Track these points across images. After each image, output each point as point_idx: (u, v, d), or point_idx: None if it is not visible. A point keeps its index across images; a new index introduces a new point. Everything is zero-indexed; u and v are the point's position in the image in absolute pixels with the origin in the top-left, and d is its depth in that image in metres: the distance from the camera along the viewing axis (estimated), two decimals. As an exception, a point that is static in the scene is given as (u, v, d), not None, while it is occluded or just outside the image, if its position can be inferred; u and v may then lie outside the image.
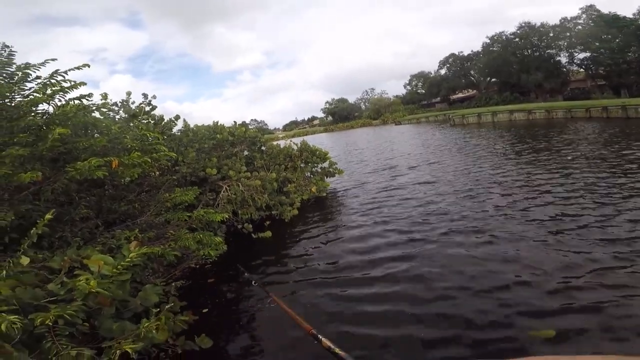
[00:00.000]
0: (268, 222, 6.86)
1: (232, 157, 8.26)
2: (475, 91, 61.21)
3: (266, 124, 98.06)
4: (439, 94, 66.38)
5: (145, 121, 5.63)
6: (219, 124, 9.40)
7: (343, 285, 4.55)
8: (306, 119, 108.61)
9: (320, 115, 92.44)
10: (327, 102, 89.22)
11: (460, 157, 14.09)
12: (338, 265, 5.23)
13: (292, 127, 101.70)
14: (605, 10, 41.89)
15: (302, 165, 9.81)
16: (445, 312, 3.64)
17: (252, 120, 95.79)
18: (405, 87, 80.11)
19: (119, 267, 2.14)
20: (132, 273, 2.37)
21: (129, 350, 1.81)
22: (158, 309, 2.26)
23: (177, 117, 7.02)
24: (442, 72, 65.90)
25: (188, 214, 3.78)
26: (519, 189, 8.09)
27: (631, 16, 39.19)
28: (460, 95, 65.41)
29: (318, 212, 8.46)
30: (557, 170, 9.36)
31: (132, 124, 4.63)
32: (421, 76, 74.43)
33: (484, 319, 3.43)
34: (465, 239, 5.47)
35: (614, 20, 39.62)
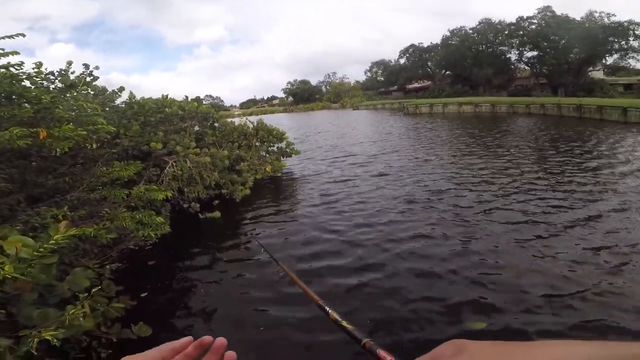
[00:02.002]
0: (217, 202, 6.64)
1: (181, 132, 7.81)
2: (430, 82, 63.47)
3: (222, 101, 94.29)
4: (396, 83, 67.97)
5: (84, 92, 5.09)
6: (168, 97, 8.86)
7: (293, 265, 4.54)
8: (265, 98, 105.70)
9: (281, 95, 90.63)
10: (289, 82, 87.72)
11: (408, 141, 14.89)
12: (289, 246, 5.23)
13: (250, 105, 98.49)
14: (560, 11, 44.20)
15: (257, 144, 9.59)
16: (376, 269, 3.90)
17: (206, 96, 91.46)
18: (365, 73, 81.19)
19: (41, 249, 1.93)
20: (59, 255, 2.16)
21: (50, 338, 1.66)
22: (88, 294, 2.10)
23: (122, 89, 6.44)
24: (402, 61, 67.31)
25: (127, 191, 3.51)
26: (459, 170, 8.81)
27: (579, 19, 41.88)
28: (416, 85, 67.50)
29: (272, 193, 8.42)
30: (491, 156, 10.58)
31: (68, 95, 4.15)
32: (382, 64, 75.80)
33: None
34: (414, 223, 5.84)
35: (564, 22, 41.85)
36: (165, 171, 5.86)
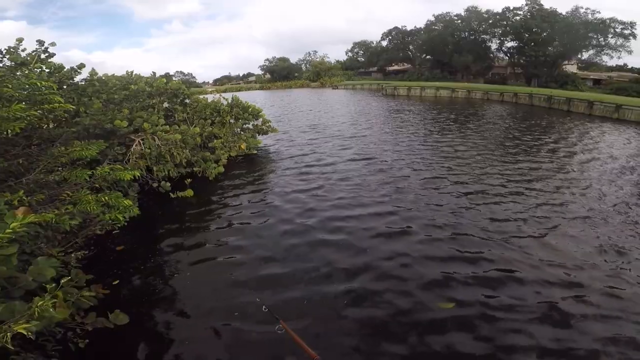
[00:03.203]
0: (189, 180, 6.40)
1: (149, 109, 7.52)
2: (409, 65, 63.61)
3: (194, 77, 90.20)
4: (377, 64, 67.61)
5: (38, 70, 4.71)
6: (134, 74, 8.52)
7: (268, 242, 4.61)
8: (241, 75, 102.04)
9: (258, 72, 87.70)
10: (267, 59, 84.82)
11: (385, 122, 14.93)
12: (264, 225, 5.22)
13: (225, 82, 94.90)
14: (549, 5, 44.43)
15: (231, 121, 9.36)
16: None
17: (177, 72, 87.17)
18: (347, 53, 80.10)
19: (-3, 240, 1.82)
20: (18, 245, 2.04)
21: (24, 332, 1.59)
22: (55, 284, 1.99)
23: (82, 66, 6.05)
24: (384, 43, 66.80)
25: (90, 172, 3.35)
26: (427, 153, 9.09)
27: (564, 13, 42.34)
28: (395, 67, 67.47)
29: (247, 170, 8.28)
30: (461, 138, 10.99)
31: (19, 73, 3.82)
32: (363, 45, 75.01)
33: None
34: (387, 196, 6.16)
35: (549, 15, 42.23)
36: (132, 150, 5.63)
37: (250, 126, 10.11)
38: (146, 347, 3.05)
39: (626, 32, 39.15)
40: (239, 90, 55.80)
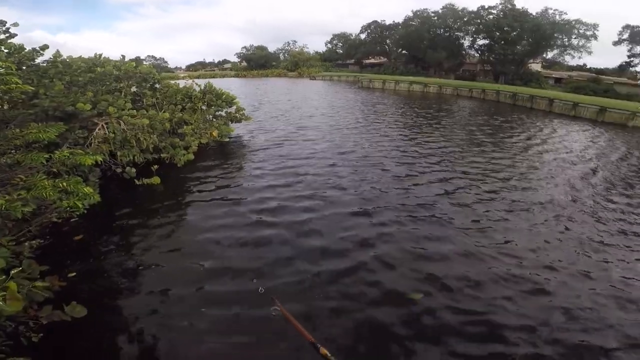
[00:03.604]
0: (156, 167, 6.25)
1: (115, 92, 7.25)
2: (386, 59, 64.34)
3: (166, 62, 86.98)
4: (354, 57, 68.08)
5: None
6: (102, 56, 8.18)
7: (236, 233, 4.56)
8: (217, 61, 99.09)
9: (234, 60, 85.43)
10: (244, 47, 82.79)
11: (360, 114, 15.08)
12: (232, 213, 5.16)
13: (198, 67, 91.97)
14: (521, 5, 45.66)
15: (203, 107, 9.17)
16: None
17: (148, 56, 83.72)
18: (326, 45, 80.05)
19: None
20: None
21: None
22: (5, 276, 1.92)
23: (45, 47, 5.77)
24: (362, 36, 67.39)
25: (47, 155, 3.21)
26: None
27: (534, 14, 44.04)
28: (372, 60, 68.10)
29: (218, 158, 8.14)
30: (427, 128, 11.21)
31: None
32: (343, 37, 75.26)
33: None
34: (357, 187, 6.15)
35: (520, 15, 43.74)
36: (95, 133, 5.42)
37: (224, 113, 9.95)
38: (107, 342, 2.90)
39: (589, 33, 41.32)
40: (213, 77, 54.21)
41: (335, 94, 27.68)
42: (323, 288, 3.55)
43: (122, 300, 3.40)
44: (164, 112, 7.57)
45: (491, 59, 48.34)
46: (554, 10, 43.18)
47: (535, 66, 50.26)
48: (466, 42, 51.60)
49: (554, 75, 49.39)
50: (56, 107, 4.94)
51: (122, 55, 8.56)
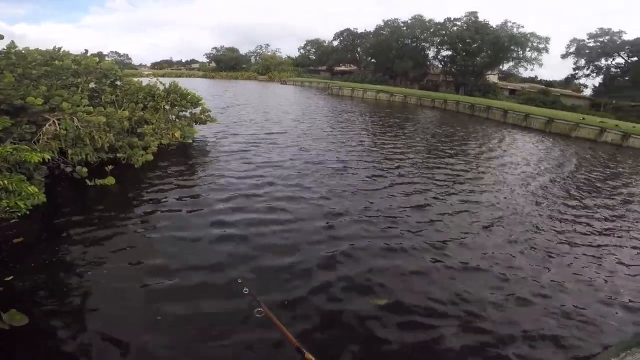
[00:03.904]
0: (111, 167, 5.98)
1: (72, 88, 7.00)
2: (355, 67, 65.66)
3: (130, 58, 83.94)
4: (326, 63, 68.81)
5: None
6: (62, 50, 7.91)
7: (192, 244, 4.30)
8: (184, 60, 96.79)
9: (203, 60, 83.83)
10: (214, 47, 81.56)
11: (328, 120, 15.40)
12: (191, 220, 4.89)
13: (164, 66, 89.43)
14: (483, 17, 47.76)
15: (166, 107, 9.00)
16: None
17: (111, 52, 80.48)
18: (299, 50, 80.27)
19: None
20: None
21: None
22: None
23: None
24: (335, 43, 68.11)
25: (-12, 148, 3.09)
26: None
27: (494, 26, 46.20)
28: (343, 68, 69.26)
29: (179, 160, 7.90)
30: (391, 135, 11.71)
31: None
32: (316, 43, 75.73)
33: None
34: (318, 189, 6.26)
35: (482, 28, 45.84)
36: (44, 129, 5.21)
37: (188, 114, 9.74)
38: (50, 352, 2.67)
39: (541, 46, 43.96)
40: (179, 77, 52.90)
41: (306, 99, 27.89)
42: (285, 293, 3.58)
43: (65, 307, 3.15)
44: (124, 110, 7.38)
45: (453, 70, 50.25)
46: (513, 23, 45.59)
47: (493, 78, 53.06)
48: (431, 53, 53.30)
49: (509, 87, 52.51)
50: (3, 100, 4.70)
51: (84, 50, 8.25)
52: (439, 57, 52.77)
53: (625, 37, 43.22)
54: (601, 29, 44.61)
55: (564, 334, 3.40)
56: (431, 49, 53.06)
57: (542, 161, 11.56)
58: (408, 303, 3.59)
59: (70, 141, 5.51)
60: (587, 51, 44.94)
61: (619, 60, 44.39)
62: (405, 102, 32.74)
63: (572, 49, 46.26)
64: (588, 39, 45.35)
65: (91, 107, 6.24)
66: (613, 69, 44.85)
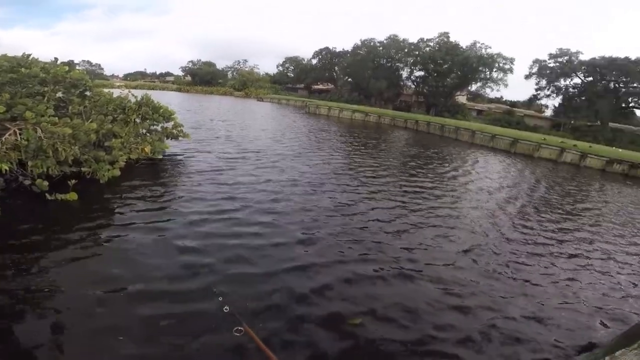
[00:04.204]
0: (74, 181, 5.65)
1: (37, 96, 6.71)
2: (333, 86, 66.81)
3: (102, 69, 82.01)
4: (304, 81, 69.43)
5: None
6: (31, 57, 7.60)
7: (152, 263, 4.04)
8: (158, 72, 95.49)
9: (179, 73, 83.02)
10: (190, 61, 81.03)
11: (306, 141, 15.66)
12: (156, 242, 4.59)
13: (137, 77, 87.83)
14: (454, 38, 48.72)
15: (137, 120, 8.75)
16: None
17: (83, 61, 78.37)
18: (277, 67, 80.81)
19: None
20: None
21: None
22: None
23: None
24: (314, 61, 68.78)
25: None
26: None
27: (464, 47, 47.55)
28: (320, 86, 70.27)
29: (147, 177, 7.53)
30: (366, 156, 12.01)
31: None
32: (295, 61, 76.40)
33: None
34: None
35: (452, 48, 47.09)
36: (4, 139, 4.93)
37: (159, 129, 9.49)
38: None
39: (506, 66, 45.47)
40: (153, 89, 51.89)
41: (283, 117, 27.99)
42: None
43: (16, 330, 2.92)
44: (92, 122, 7.12)
45: (425, 90, 51.73)
46: (481, 43, 47.18)
47: (462, 98, 54.99)
48: (405, 73, 54.51)
49: (476, 108, 54.91)
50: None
51: (55, 58, 7.96)
52: (412, 77, 54.09)
53: (582, 57, 43.70)
54: (560, 49, 44.84)
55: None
56: (405, 69, 54.15)
57: (510, 182, 12.20)
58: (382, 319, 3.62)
59: (31, 152, 5.22)
60: (547, 72, 45.34)
61: (577, 80, 44.91)
62: (379, 122, 33.72)
63: (535, 70, 46.55)
64: (549, 59, 45.66)
65: (57, 118, 5.98)
66: (571, 89, 45.38)
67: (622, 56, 40.03)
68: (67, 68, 7.61)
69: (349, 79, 60.70)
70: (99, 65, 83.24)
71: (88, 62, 79.89)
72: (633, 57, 39.31)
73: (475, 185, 10.80)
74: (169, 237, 4.76)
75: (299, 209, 6.56)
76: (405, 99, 57.66)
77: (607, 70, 40.76)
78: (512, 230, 6.92)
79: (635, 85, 40.21)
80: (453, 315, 3.87)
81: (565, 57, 44.24)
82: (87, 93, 8.33)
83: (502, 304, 4.20)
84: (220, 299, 3.42)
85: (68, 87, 7.66)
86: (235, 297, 3.66)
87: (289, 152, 12.33)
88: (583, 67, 43.06)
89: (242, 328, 3.03)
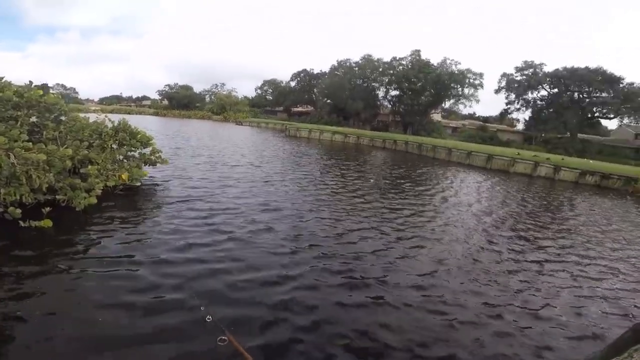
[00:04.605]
0: (49, 209, 5.48)
1: (10, 121, 6.46)
2: (312, 108, 67.52)
3: (77, 92, 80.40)
4: (284, 104, 69.96)
5: None
6: (4, 80, 7.37)
7: (123, 299, 3.76)
8: (135, 96, 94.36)
9: (155, 97, 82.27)
10: (167, 85, 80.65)
11: (288, 165, 15.73)
12: (131, 275, 4.31)
13: (113, 102, 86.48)
14: (425, 56, 49.29)
15: (114, 146, 8.49)
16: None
17: (57, 84, 76.80)
18: (256, 90, 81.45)
19: None
20: None
21: None
22: None
23: None
24: (292, 84, 69.53)
25: None
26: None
27: (435, 64, 48.10)
28: (300, 109, 71.02)
29: (125, 205, 7.22)
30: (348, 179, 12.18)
31: None
32: (273, 83, 77.24)
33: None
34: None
35: (424, 66, 47.65)
36: (-28, 167, 4.65)
37: (137, 155, 9.17)
38: None
39: (476, 82, 46.12)
40: (129, 113, 50.90)
41: (263, 141, 27.80)
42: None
43: None
44: (67, 148, 6.86)
45: (401, 109, 52.33)
46: (451, 60, 47.97)
47: (436, 116, 55.88)
48: (381, 93, 55.32)
49: (451, 125, 56.29)
50: None
51: (29, 81, 7.72)
52: (388, 97, 54.87)
53: (546, 69, 44.81)
54: (526, 62, 45.84)
55: None
56: (381, 89, 54.94)
57: (486, 198, 12.59)
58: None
59: (3, 179, 4.94)
60: (516, 85, 46.32)
61: (543, 92, 45.92)
62: (358, 143, 34.35)
63: (503, 84, 47.54)
64: (515, 72, 46.68)
65: (31, 143, 5.73)
66: (539, 102, 46.38)
67: (583, 66, 41.57)
68: (41, 92, 7.40)
69: (328, 101, 60.85)
70: (74, 89, 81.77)
71: (62, 85, 78.45)
72: (592, 67, 40.96)
73: (453, 201, 11.04)
74: (143, 267, 4.52)
75: (281, 235, 6.30)
76: (382, 119, 58.27)
77: (570, 81, 42.04)
78: (489, 244, 7.06)
79: (597, 95, 41.48)
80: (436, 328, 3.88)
81: (531, 70, 45.24)
82: (62, 118, 8.08)
83: (483, 319, 4.22)
84: (209, 318, 3.36)
85: (42, 112, 7.41)
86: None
87: (270, 177, 12.01)
88: (548, 79, 44.19)
89: (225, 337, 3.05)
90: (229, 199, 8.54)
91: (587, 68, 41.18)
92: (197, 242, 5.50)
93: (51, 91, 10.55)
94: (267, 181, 11.33)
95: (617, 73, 41.00)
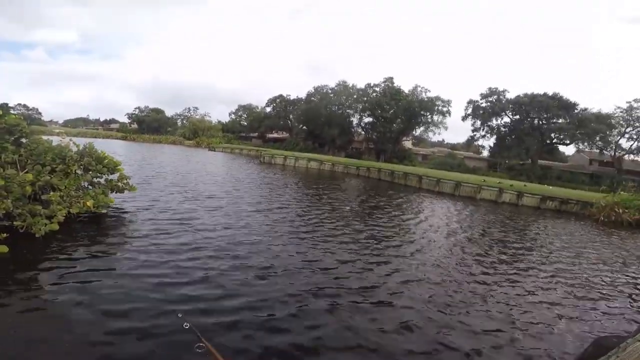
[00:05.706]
0: (5, 235, 5.22)
1: (-34, 145, 6.06)
2: (288, 134, 67.52)
3: (40, 113, 76.83)
4: (258, 130, 69.17)
5: None
6: None
7: (78, 332, 3.54)
8: (102, 119, 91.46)
9: (124, 120, 79.95)
10: (137, 107, 78.53)
11: (260, 191, 15.58)
12: (96, 300, 4.18)
13: (79, 124, 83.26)
14: (397, 83, 49.72)
15: (79, 172, 8.12)
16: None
17: (19, 104, 73.25)
18: (230, 115, 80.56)
19: None
20: None
21: None
22: None
23: None
24: (268, 109, 68.78)
25: None
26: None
27: (407, 91, 48.97)
28: (275, 135, 70.58)
29: (89, 233, 6.81)
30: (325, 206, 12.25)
31: None
32: (248, 109, 76.65)
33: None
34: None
35: (396, 93, 48.35)
36: None
37: (103, 181, 8.76)
38: None
39: (444, 109, 47.14)
40: (95, 137, 48.96)
41: (237, 168, 27.29)
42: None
43: None
44: (27, 172, 6.51)
45: (374, 137, 52.94)
46: (422, 87, 49.24)
47: (407, 143, 56.75)
48: (355, 120, 55.87)
49: (421, 152, 57.43)
50: None
51: None
52: (362, 124, 55.49)
53: (508, 95, 45.80)
54: (490, 88, 46.80)
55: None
56: (355, 116, 55.50)
57: (454, 224, 13.01)
58: None
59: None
60: (481, 112, 47.05)
61: (507, 119, 47.01)
62: (333, 170, 34.72)
63: (470, 111, 48.09)
64: (480, 99, 47.38)
65: (-13, 169, 5.40)
66: (502, 129, 47.34)
67: (542, 92, 43.24)
68: (0, 112, 7.06)
69: (304, 127, 60.98)
70: (37, 109, 78.02)
71: (24, 105, 75.04)
72: (550, 93, 42.72)
73: (423, 227, 11.32)
74: (101, 300, 4.24)
75: (256, 269, 5.99)
76: (356, 146, 58.84)
77: (530, 107, 43.57)
78: (457, 266, 7.33)
79: (554, 121, 43.14)
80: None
81: (495, 96, 46.28)
82: (23, 140, 7.68)
83: (445, 340, 4.27)
84: (186, 325, 3.38)
85: (2, 134, 7.04)
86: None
87: (244, 207, 11.44)
88: (510, 106, 45.57)
89: (202, 344, 3.04)
90: (198, 230, 7.98)
91: (545, 94, 43.00)
92: (158, 276, 5.07)
93: (12, 112, 10.04)
94: (239, 210, 10.76)
95: (572, 99, 42.86)
